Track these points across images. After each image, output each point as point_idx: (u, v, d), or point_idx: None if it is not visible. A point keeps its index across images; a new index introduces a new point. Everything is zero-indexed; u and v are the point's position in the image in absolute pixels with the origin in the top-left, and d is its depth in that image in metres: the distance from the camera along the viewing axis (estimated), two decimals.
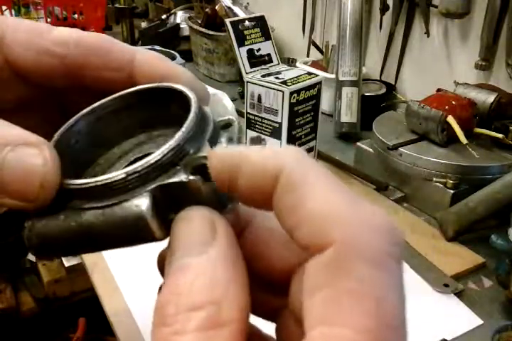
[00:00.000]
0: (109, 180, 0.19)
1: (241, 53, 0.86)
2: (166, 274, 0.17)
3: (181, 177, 0.18)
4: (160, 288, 0.18)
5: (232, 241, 0.18)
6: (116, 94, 0.23)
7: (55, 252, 0.21)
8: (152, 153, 0.19)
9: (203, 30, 1.34)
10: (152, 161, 0.19)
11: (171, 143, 0.19)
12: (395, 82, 1.16)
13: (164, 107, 0.23)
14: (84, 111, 0.22)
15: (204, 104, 0.22)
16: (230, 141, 0.20)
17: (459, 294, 0.62)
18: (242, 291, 0.17)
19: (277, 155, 0.17)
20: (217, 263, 0.17)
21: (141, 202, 0.18)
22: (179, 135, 0.19)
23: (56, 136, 0.21)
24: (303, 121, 0.85)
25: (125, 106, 0.23)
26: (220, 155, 0.18)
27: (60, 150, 0.20)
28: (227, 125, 0.21)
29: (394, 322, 0.14)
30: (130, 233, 0.19)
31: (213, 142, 0.20)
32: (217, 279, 0.16)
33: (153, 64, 0.23)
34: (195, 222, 0.18)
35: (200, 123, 0.20)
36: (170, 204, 0.19)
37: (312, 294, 0.15)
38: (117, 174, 0.19)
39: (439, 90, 0.86)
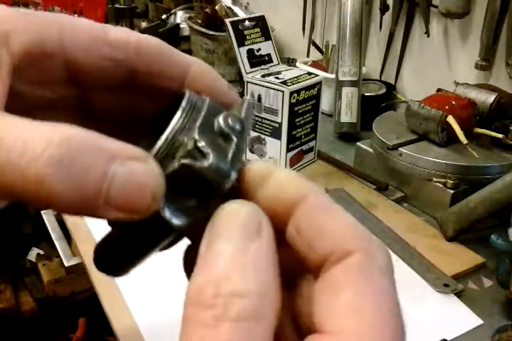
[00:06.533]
0: None
1: (241, 53, 0.86)
2: (203, 259, 0.18)
3: (174, 165, 0.20)
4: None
5: (273, 243, 0.19)
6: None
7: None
8: None
9: (203, 30, 1.34)
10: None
11: (164, 137, 0.20)
12: (395, 82, 1.16)
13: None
14: None
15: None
16: (226, 118, 0.21)
17: (459, 294, 0.62)
18: (278, 291, 0.18)
19: (304, 181, 0.20)
20: (263, 257, 0.18)
21: None
22: (167, 131, 0.20)
23: None
24: (303, 121, 0.86)
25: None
26: (255, 167, 0.21)
27: None
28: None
29: (398, 316, 0.17)
30: (151, 231, 0.20)
31: (207, 125, 0.21)
32: (262, 272, 0.17)
33: (204, 79, 0.24)
34: (241, 215, 0.19)
35: (192, 113, 0.21)
36: (182, 193, 0.20)
37: (336, 292, 0.17)
38: None
39: (439, 90, 0.86)
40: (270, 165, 0.21)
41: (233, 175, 0.20)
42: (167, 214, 0.19)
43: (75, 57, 0.22)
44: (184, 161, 0.19)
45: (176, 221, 0.19)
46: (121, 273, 0.22)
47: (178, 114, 0.21)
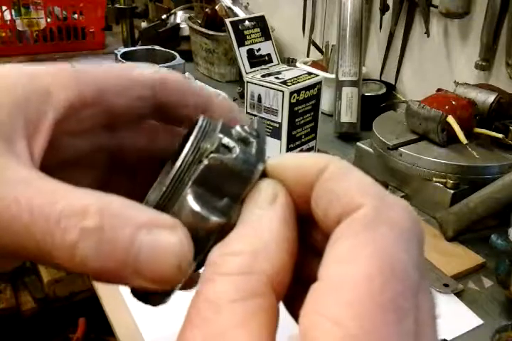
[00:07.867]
0: (158, 196, 0.21)
1: (241, 53, 0.86)
2: None
3: (204, 164, 0.20)
4: None
5: (285, 211, 0.20)
6: None
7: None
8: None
9: (203, 30, 1.34)
10: (178, 165, 0.21)
11: (188, 146, 0.21)
12: (395, 82, 1.16)
13: None
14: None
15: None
16: (242, 127, 0.22)
17: (459, 294, 0.62)
18: (282, 251, 0.19)
19: (315, 156, 0.21)
20: (264, 223, 0.19)
21: (187, 201, 0.21)
22: (192, 138, 0.21)
23: None
24: (303, 121, 0.85)
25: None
26: (275, 158, 0.21)
27: None
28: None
29: (399, 274, 0.17)
30: (194, 230, 0.20)
31: (227, 133, 0.22)
32: (260, 235, 0.19)
33: (223, 108, 0.25)
34: (256, 193, 0.21)
35: (210, 125, 0.22)
36: (214, 193, 0.21)
37: (335, 244, 0.18)
38: (160, 189, 0.21)
39: (439, 90, 0.86)
40: (280, 157, 0.22)
41: (260, 166, 0.21)
42: (204, 212, 0.20)
43: (110, 101, 0.23)
44: (213, 155, 0.20)
45: (214, 218, 0.20)
46: (163, 298, 0.22)
47: (198, 126, 0.22)
